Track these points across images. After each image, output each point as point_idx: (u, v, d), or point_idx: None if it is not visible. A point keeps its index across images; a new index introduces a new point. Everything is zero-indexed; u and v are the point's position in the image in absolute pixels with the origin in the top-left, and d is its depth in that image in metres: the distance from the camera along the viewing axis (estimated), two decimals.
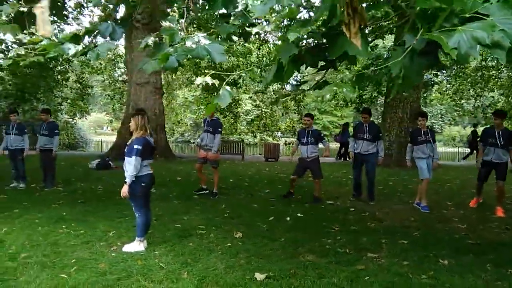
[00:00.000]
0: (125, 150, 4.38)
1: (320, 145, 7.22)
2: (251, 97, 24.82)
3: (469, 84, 18.73)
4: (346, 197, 7.58)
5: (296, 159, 7.59)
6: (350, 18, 1.46)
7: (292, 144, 23.83)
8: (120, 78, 24.02)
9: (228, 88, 1.77)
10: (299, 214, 6.06)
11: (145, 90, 15.06)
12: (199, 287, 3.33)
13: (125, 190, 4.23)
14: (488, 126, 6.89)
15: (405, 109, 14.09)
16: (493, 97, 20.84)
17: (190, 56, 2.20)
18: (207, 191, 7.53)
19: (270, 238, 4.80)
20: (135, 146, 4.21)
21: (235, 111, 22.70)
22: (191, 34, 2.30)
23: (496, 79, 18.22)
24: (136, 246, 4.31)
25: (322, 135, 7.29)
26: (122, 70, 24.25)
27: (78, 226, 5.15)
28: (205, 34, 2.19)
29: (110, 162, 12.04)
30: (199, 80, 1.78)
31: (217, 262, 3.93)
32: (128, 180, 4.22)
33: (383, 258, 4.08)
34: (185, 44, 2.10)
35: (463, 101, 20.29)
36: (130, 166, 4.20)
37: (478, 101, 19.56)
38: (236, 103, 22.59)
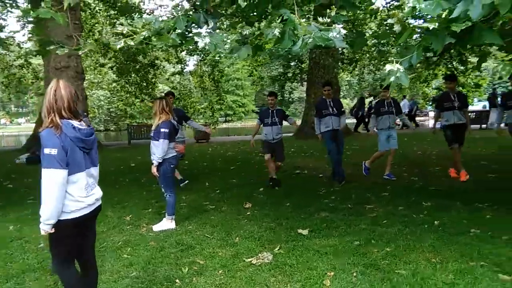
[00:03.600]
0: (151, 134, 4.45)
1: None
2: (167, 79, 24.19)
3: (368, 59, 21.06)
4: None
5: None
6: None
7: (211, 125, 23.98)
8: (16, 63, 21.35)
9: None
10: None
11: (66, 75, 13.84)
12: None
13: (154, 170, 4.39)
14: (442, 91, 6.80)
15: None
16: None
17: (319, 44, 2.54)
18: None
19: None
20: (163, 130, 4.33)
21: (152, 93, 21.98)
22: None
23: (388, 54, 20.75)
24: (168, 224, 4.50)
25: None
26: (17, 53, 21.56)
27: None
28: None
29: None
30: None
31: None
32: (155, 162, 4.36)
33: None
34: (327, 34, 2.47)
35: (365, 74, 22.88)
36: (158, 149, 4.33)
37: (377, 74, 22.26)
38: (152, 86, 21.91)
